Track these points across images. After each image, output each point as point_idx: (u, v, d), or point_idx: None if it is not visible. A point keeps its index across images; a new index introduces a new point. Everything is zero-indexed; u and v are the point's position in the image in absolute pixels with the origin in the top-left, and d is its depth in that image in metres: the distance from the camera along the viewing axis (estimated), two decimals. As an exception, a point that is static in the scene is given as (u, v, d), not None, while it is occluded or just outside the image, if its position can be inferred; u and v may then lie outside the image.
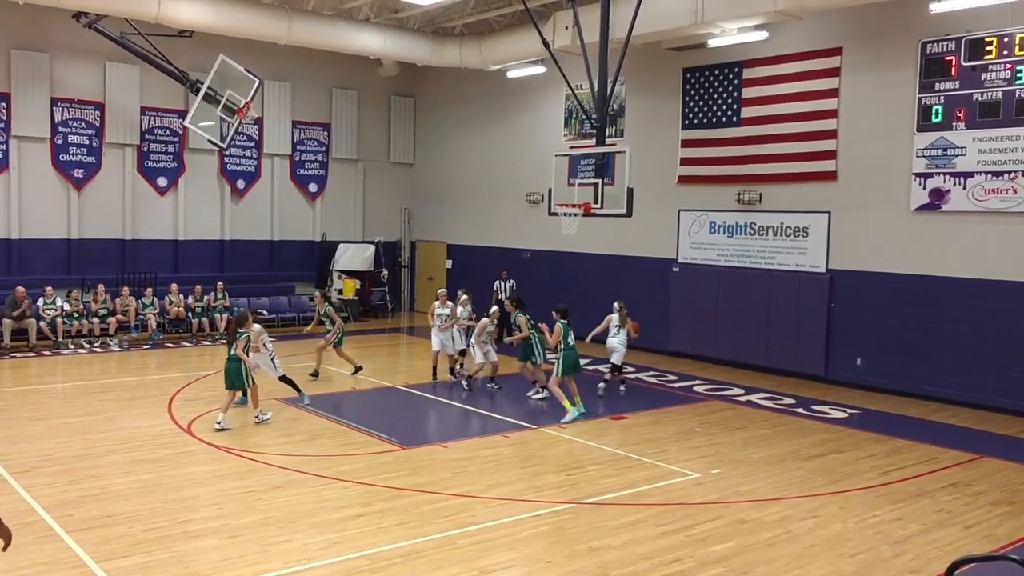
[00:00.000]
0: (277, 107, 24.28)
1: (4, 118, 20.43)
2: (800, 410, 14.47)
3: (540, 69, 21.21)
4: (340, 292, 24.38)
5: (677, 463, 11.04)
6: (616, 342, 15.27)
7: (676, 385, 16.54)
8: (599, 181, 16.14)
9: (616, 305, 15.48)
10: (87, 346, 19.02)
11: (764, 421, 13.69)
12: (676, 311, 19.46)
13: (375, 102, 26.34)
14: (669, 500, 9.56)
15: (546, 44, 16.61)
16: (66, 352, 18.41)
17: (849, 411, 14.45)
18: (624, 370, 15.88)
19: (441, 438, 12.12)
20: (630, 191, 15.47)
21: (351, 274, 24.62)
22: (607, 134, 16.73)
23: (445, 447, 11.58)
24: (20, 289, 18.64)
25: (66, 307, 19.29)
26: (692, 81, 19.11)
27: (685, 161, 19.34)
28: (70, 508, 8.74)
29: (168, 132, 22.66)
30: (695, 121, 19.08)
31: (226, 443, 11.34)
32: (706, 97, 18.84)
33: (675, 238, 19.57)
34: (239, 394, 12.59)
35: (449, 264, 25.86)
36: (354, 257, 24.91)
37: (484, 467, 10.70)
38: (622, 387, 15.54)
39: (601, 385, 15.34)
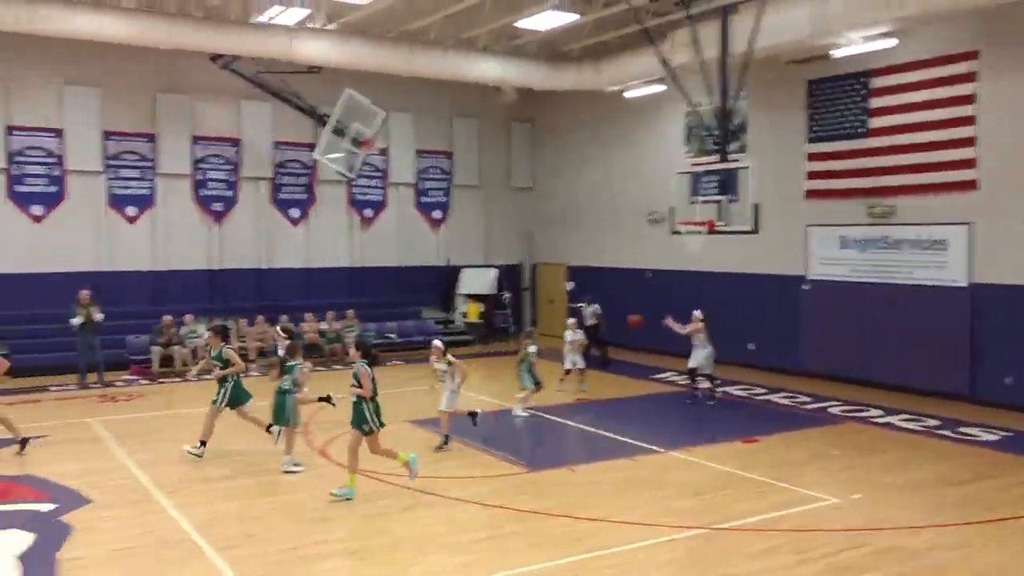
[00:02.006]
0: (401, 137, 24.97)
1: (151, 157, 21.79)
2: (945, 432, 13.71)
3: (659, 88, 21.04)
4: (465, 315, 24.75)
5: (813, 487, 10.63)
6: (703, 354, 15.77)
7: (809, 406, 15.97)
8: (723, 198, 15.86)
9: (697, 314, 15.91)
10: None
11: (905, 443, 13.04)
12: (807, 329, 18.83)
13: (495, 129, 26.74)
14: (806, 526, 9.20)
15: (664, 62, 16.50)
16: (207, 378, 19.27)
17: (1000, 433, 13.59)
18: (704, 382, 16.13)
19: (568, 461, 12.05)
20: (756, 207, 15.12)
21: (474, 297, 24.98)
22: (729, 150, 16.45)
23: (573, 470, 11.52)
24: (166, 318, 19.72)
25: (207, 335, 20.21)
26: (817, 93, 18.58)
27: (812, 175, 18.77)
28: (215, 527, 9.12)
29: (299, 165, 23.63)
30: (821, 134, 18.51)
31: (359, 465, 11.59)
32: (832, 109, 18.27)
33: (803, 254, 18.98)
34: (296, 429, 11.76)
35: (570, 286, 25.85)
36: (477, 281, 25.27)
37: (613, 490, 10.59)
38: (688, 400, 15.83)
39: (696, 396, 15.60)
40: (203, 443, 11.96)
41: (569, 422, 14.70)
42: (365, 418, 10.11)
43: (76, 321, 17.78)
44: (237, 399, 12.35)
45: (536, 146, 27.42)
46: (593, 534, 8.95)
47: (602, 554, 8.36)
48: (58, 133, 20.79)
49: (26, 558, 8.29)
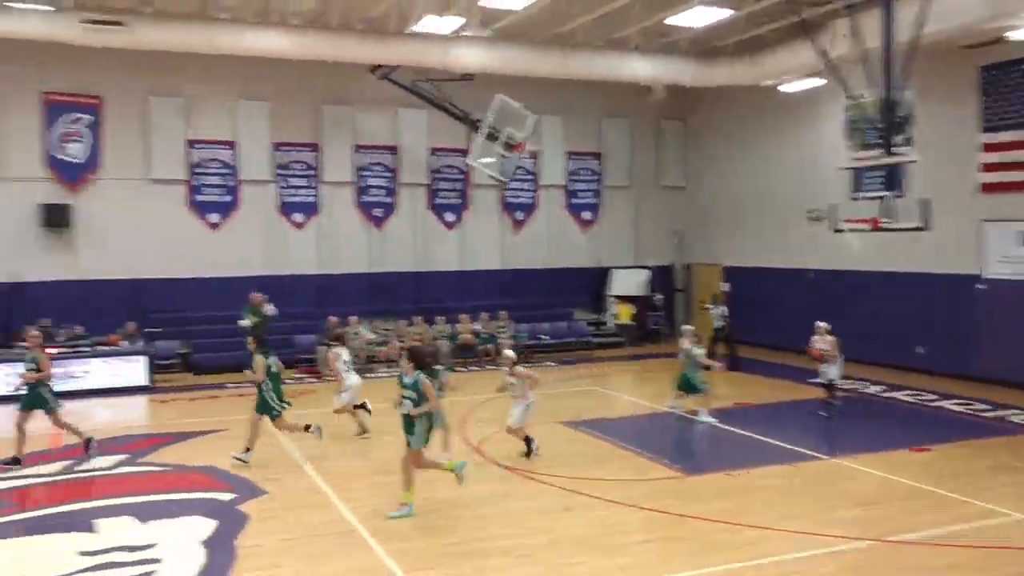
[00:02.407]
0: (552, 139, 25.15)
1: (315, 166, 22.89)
2: None
3: (817, 81, 20.27)
4: (616, 317, 24.66)
5: (995, 501, 9.96)
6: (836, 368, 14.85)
7: (988, 414, 14.98)
8: (888, 194, 15.12)
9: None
10: (388, 370, 20.62)
11: (1100, 456, 12.02)
12: (983, 332, 17.67)
13: (645, 128, 26.50)
14: (988, 542, 8.64)
15: (823, 54, 15.90)
16: (370, 376, 20.07)
17: None
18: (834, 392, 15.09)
19: (726, 465, 11.78)
20: (926, 202, 14.33)
21: (626, 299, 24.83)
22: (894, 143, 15.64)
23: (731, 475, 11.27)
24: (332, 319, 20.61)
25: (370, 335, 21.09)
26: (992, 80, 17.41)
27: (988, 167, 17.60)
28: (379, 520, 9.47)
29: (454, 170, 24.22)
30: (998, 123, 17.33)
31: (515, 464, 11.77)
32: (1011, 96, 17.06)
33: (978, 252, 17.82)
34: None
35: (725, 287, 25.28)
36: (628, 282, 25.11)
37: (773, 497, 10.29)
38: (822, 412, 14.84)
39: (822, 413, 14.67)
40: (248, 449, 11.95)
41: (726, 426, 14.37)
42: (413, 429, 9.67)
43: (245, 323, 18.90)
44: (266, 406, 12.13)
45: (688, 144, 26.98)
46: (753, 542, 8.73)
47: (763, 562, 8.15)
48: (232, 145, 22.15)
49: (209, 543, 8.89)
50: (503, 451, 12.46)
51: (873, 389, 17.41)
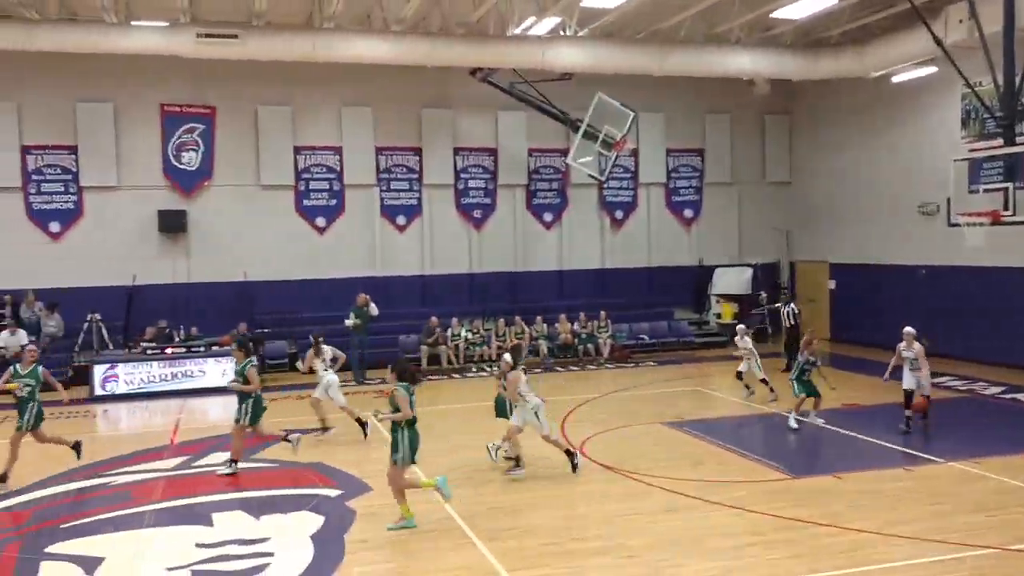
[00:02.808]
0: (651, 137, 24.91)
1: (417, 169, 23.30)
2: None
3: (930, 69, 19.50)
4: (718, 316, 24.25)
5: None
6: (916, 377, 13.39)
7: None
8: (1009, 185, 14.40)
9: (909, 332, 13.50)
10: (488, 370, 20.82)
11: None
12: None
13: (748, 123, 25.97)
14: (1122, 553, 8.14)
15: (938, 42, 15.29)
16: (470, 375, 20.32)
17: None
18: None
19: (834, 468, 11.42)
20: (1050, 194, 13.60)
21: (729, 298, 24.39)
22: (1016, 132, 14.89)
23: (839, 478, 10.93)
24: (433, 319, 20.97)
25: (468, 335, 21.36)
26: None
27: (1120, 155, 16.53)
28: (482, 518, 9.57)
29: (552, 170, 24.28)
30: None
31: (616, 464, 11.72)
32: None
33: (1111, 245, 16.80)
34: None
35: (832, 284, 24.57)
36: (731, 281, 24.66)
37: (884, 502, 9.93)
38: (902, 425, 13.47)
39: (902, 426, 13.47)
40: (234, 461, 11.84)
41: (834, 427, 13.95)
42: (396, 446, 9.33)
43: (349, 322, 19.38)
44: (257, 415, 11.93)
45: (793, 139, 26.30)
46: (862, 547, 8.46)
47: (872, 569, 7.89)
48: (337, 151, 22.76)
49: (317, 538, 9.15)
50: (604, 451, 12.42)
51: (993, 390, 16.61)
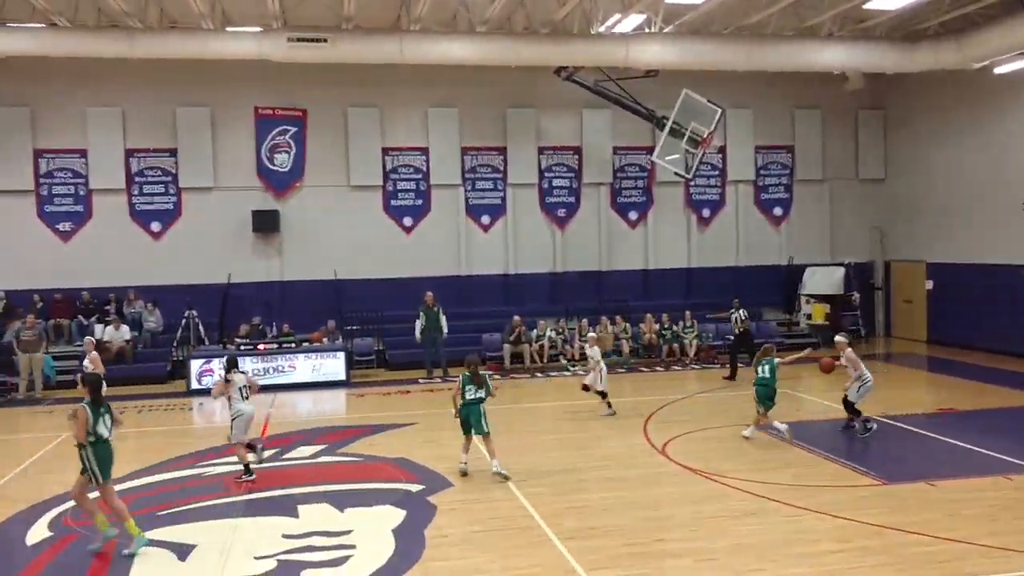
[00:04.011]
0: (739, 134, 24.48)
1: (502, 169, 23.43)
2: None
3: (1037, 59, 18.63)
4: (809, 317, 23.65)
5: None
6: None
7: None
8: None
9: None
10: (571, 369, 20.79)
11: None
12: None
13: (840, 119, 25.25)
14: None
15: (1045, 30, 14.56)
16: (553, 375, 20.32)
17: None
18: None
19: (929, 475, 11.01)
20: None
21: (820, 298, 23.75)
22: None
23: (934, 485, 10.54)
24: (516, 318, 21.05)
25: (552, 334, 21.37)
26: None
27: None
28: (560, 517, 9.57)
29: (637, 168, 24.09)
30: None
31: (698, 466, 11.57)
32: None
33: None
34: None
35: (929, 285, 23.69)
36: (822, 280, 24.00)
37: (983, 511, 9.53)
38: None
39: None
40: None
41: (928, 432, 13.47)
42: (83, 465, 8.90)
43: (420, 323, 19.77)
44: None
45: (888, 134, 25.45)
46: (957, 557, 8.14)
47: (968, 580, 7.59)
48: (424, 151, 23.06)
49: (399, 532, 9.30)
50: (688, 453, 12.28)
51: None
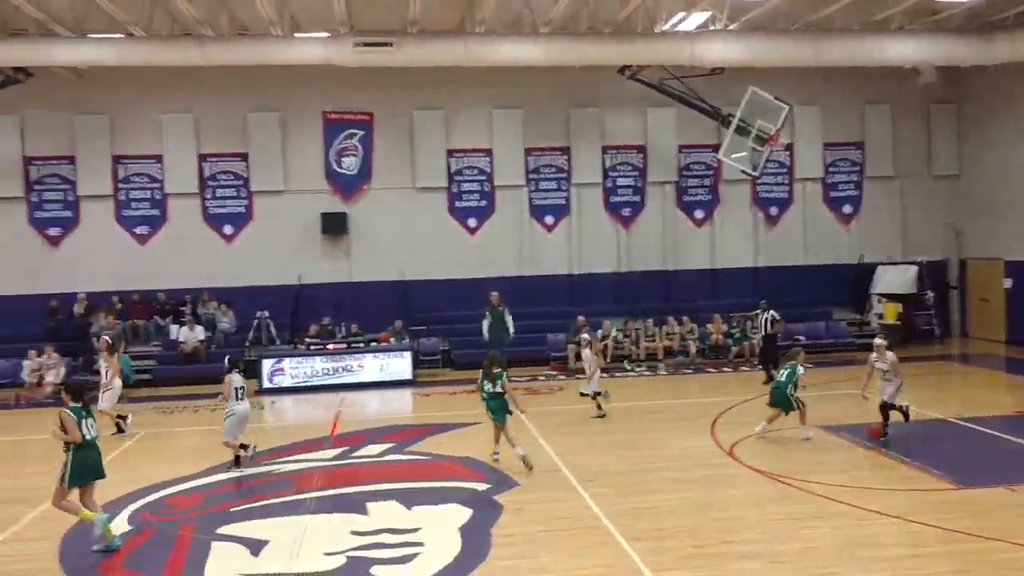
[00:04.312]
0: (807, 131, 24.06)
1: (566, 169, 23.45)
2: None
3: (1122, 49, 17.90)
4: (880, 316, 23.12)
5: None
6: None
7: None
8: None
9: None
10: (636, 370, 20.70)
11: None
12: None
13: (911, 114, 24.61)
14: None
15: None
16: (618, 375, 20.25)
17: None
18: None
19: (1008, 479, 10.67)
20: None
21: (892, 297, 23.19)
22: None
23: (1013, 490, 10.23)
24: (580, 318, 20.98)
25: (619, 335, 21.30)
26: None
27: None
28: (626, 518, 9.55)
29: (703, 167, 23.87)
30: None
31: (767, 468, 11.43)
32: None
33: None
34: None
35: (1008, 283, 22.95)
36: (894, 279, 23.43)
37: (1065, 517, 9.23)
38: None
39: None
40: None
41: (1007, 435, 13.07)
42: (62, 471, 9.15)
43: (486, 322, 19.96)
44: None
45: (962, 129, 24.71)
46: (1038, 564, 7.92)
47: (1049, 588, 7.36)
48: (488, 153, 23.21)
49: (465, 530, 9.40)
50: (756, 454, 12.14)
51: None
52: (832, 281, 24.16)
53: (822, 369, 19.30)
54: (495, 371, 12.23)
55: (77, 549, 9.18)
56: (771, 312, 18.66)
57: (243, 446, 12.30)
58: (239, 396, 12.12)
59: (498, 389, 12.09)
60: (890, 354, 12.91)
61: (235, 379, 12.17)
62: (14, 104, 21.05)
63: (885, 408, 12.84)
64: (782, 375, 13.14)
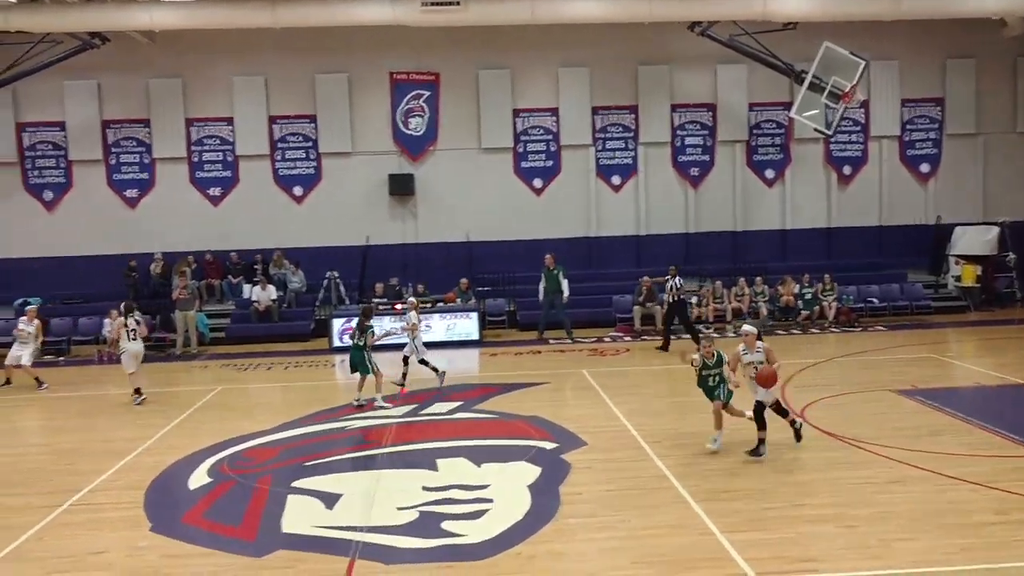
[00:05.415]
0: (884, 87, 23.31)
1: (633, 128, 23.13)
2: None
3: None
4: (958, 279, 22.43)
5: None
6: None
7: None
8: None
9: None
10: (705, 331, 20.45)
11: None
12: None
13: (996, 68, 23.66)
14: None
15: None
16: (686, 336, 20.03)
17: None
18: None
19: (1093, 446, 10.35)
20: None
21: (970, 259, 22.45)
22: None
23: (1099, 457, 9.90)
24: (645, 279, 20.83)
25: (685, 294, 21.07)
26: None
27: None
28: (694, 479, 9.50)
29: (774, 125, 23.33)
30: None
31: (839, 431, 11.23)
32: None
33: None
34: (368, 377, 13.62)
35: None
36: (973, 240, 22.67)
37: None
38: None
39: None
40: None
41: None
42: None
43: (542, 285, 20.00)
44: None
45: (1051, 83, 23.66)
46: None
47: None
48: (554, 112, 23.01)
49: (535, 488, 9.45)
50: (827, 418, 11.94)
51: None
52: (908, 242, 23.53)
53: (897, 332, 18.89)
54: (367, 324, 13.60)
55: (162, 498, 9.52)
56: (678, 279, 18.44)
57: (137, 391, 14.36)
58: (131, 337, 14.54)
59: (359, 343, 13.51)
60: (761, 344, 10.37)
61: (129, 322, 14.57)
62: (92, 69, 21.56)
63: (760, 412, 10.19)
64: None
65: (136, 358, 14.70)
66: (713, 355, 10.61)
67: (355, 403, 13.55)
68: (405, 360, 14.81)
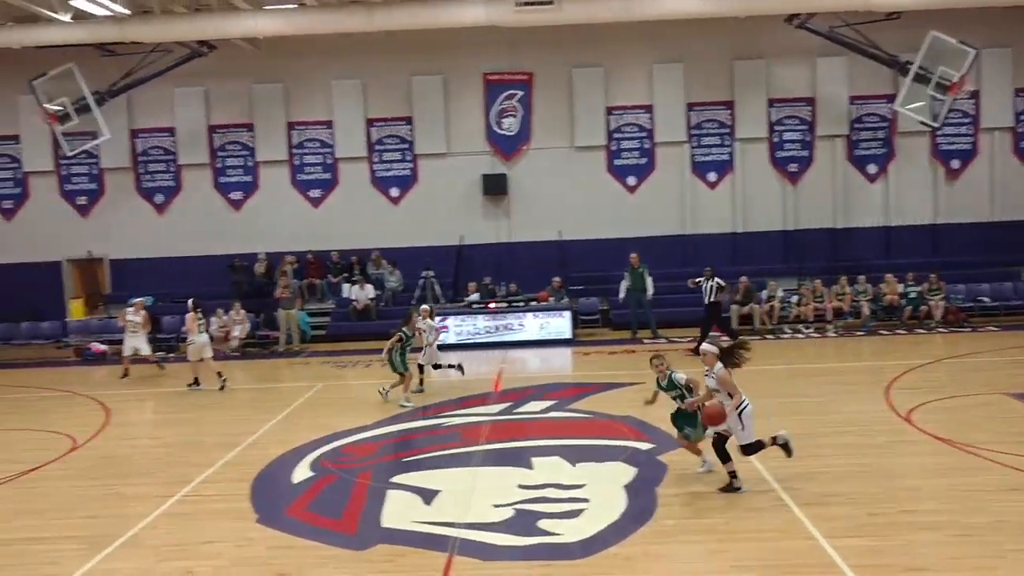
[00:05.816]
0: (995, 76, 22.26)
1: (729, 124, 22.74)
2: None
3: None
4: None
5: None
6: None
7: None
8: None
9: None
10: (804, 331, 20.01)
11: None
12: None
13: (1122, 52, 22.31)
14: None
15: None
16: (785, 336, 19.65)
17: None
18: None
19: None
20: None
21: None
22: None
23: None
24: (743, 279, 20.46)
25: (782, 294, 20.62)
26: None
27: None
28: (797, 482, 9.28)
29: (876, 118, 22.59)
30: None
31: (949, 436, 10.82)
32: None
33: None
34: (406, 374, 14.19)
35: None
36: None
37: None
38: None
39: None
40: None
41: None
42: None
43: (624, 283, 19.91)
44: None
45: None
46: None
47: None
48: (648, 109, 22.82)
49: (631, 488, 9.40)
50: (935, 422, 11.51)
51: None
52: (1022, 239, 22.41)
53: (1010, 333, 18.09)
54: (406, 331, 14.43)
55: (267, 490, 9.85)
56: (716, 279, 17.96)
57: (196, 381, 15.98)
58: (201, 330, 15.98)
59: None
60: (719, 366, 9.24)
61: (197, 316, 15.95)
62: (199, 76, 22.41)
63: (720, 444, 9.18)
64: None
65: (201, 349, 15.96)
66: (665, 375, 9.70)
67: (387, 394, 14.24)
68: (421, 368, 15.13)
